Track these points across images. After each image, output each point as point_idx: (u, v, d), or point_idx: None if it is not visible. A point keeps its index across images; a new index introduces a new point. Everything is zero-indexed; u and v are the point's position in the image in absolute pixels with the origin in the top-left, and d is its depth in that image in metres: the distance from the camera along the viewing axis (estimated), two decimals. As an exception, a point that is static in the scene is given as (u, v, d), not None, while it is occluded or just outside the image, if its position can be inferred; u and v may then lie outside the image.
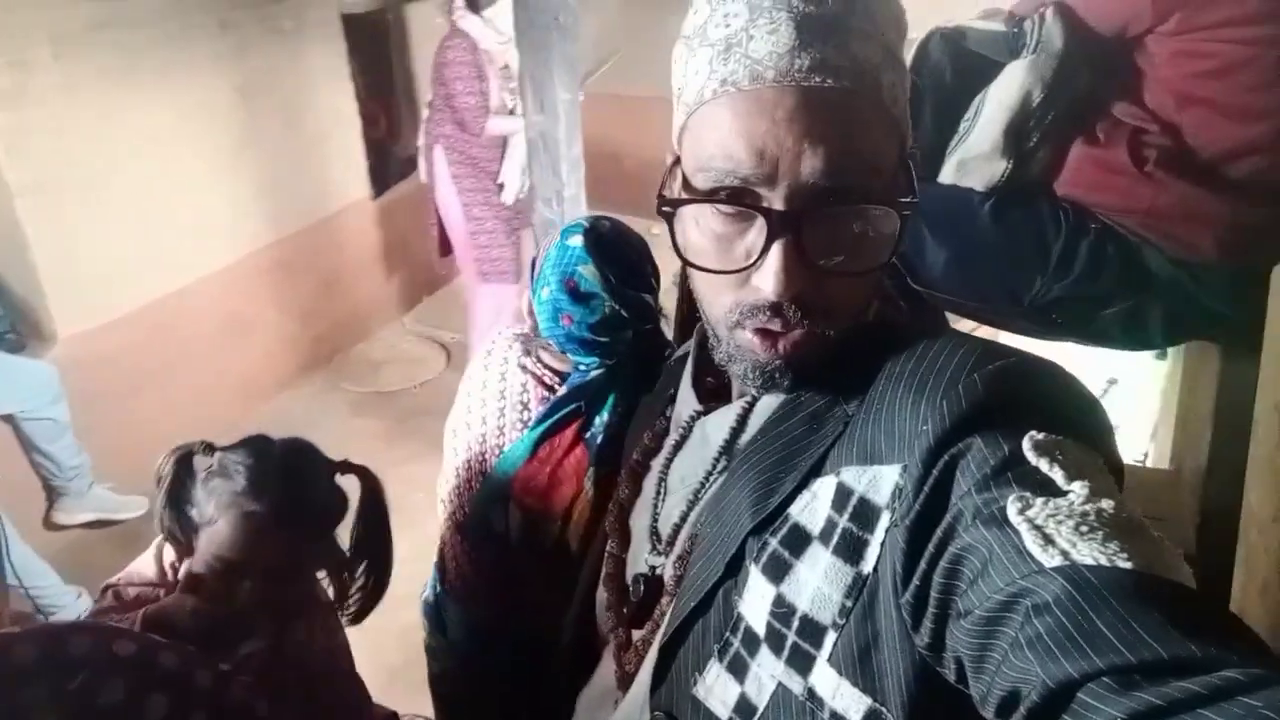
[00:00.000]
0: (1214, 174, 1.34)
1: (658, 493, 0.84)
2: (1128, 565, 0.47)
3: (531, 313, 1.50)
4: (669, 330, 1.51)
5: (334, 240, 4.44)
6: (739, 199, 0.64)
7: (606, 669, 0.86)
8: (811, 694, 0.63)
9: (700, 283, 0.71)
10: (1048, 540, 0.49)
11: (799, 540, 0.65)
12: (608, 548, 0.89)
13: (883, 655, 0.60)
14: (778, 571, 0.65)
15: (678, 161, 0.70)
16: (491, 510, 1.49)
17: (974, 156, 1.43)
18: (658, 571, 0.81)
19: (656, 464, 0.87)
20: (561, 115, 2.95)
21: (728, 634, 0.69)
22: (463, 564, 1.58)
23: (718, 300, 0.69)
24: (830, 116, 0.61)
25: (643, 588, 0.81)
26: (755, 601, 0.67)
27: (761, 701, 0.66)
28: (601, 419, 1.46)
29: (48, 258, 3.13)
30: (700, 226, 0.67)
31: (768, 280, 0.63)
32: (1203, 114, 1.34)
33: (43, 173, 3.06)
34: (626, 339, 1.45)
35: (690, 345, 0.88)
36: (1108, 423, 0.61)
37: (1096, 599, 0.45)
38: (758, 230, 0.64)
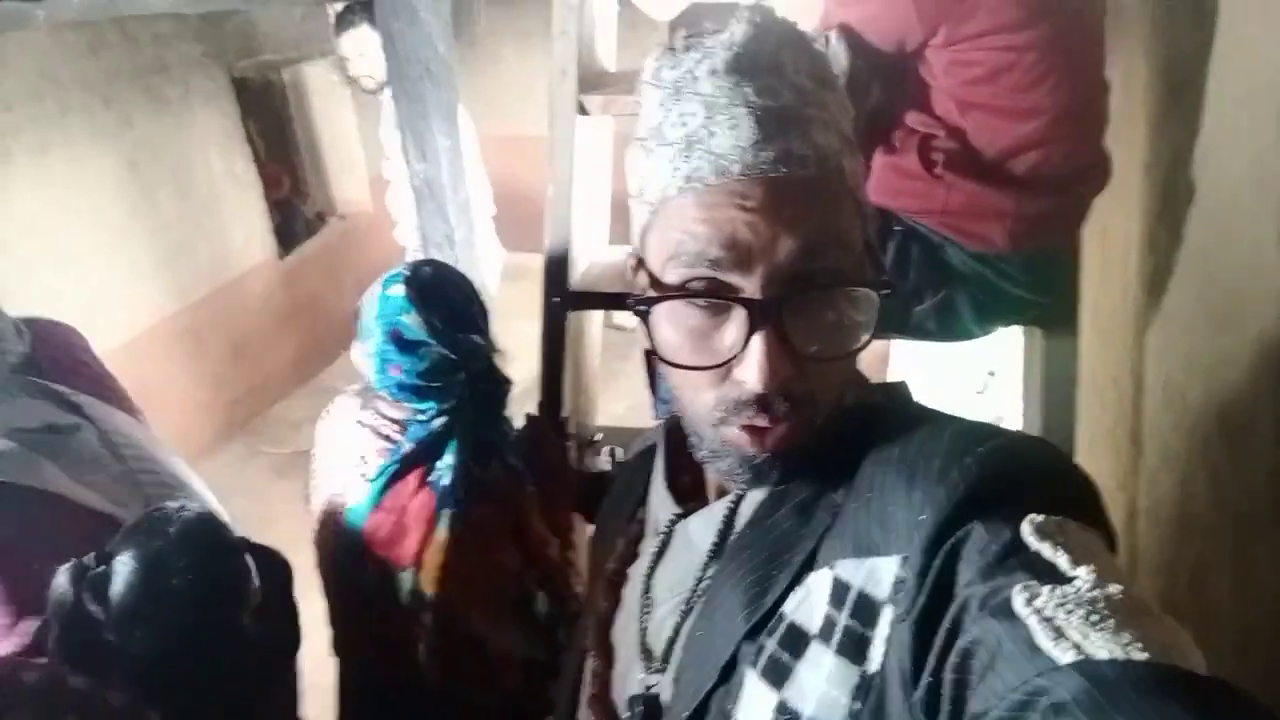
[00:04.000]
0: (997, 171, 1.43)
1: (642, 606, 0.79)
2: (1143, 657, 0.45)
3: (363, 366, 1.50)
4: (505, 365, 1.56)
5: (241, 303, 4.44)
6: (715, 292, 0.62)
7: None
8: None
9: (679, 381, 0.68)
10: (1059, 633, 0.48)
11: (797, 640, 0.62)
12: (590, 667, 0.83)
13: None
14: (778, 676, 0.62)
15: (641, 263, 0.68)
16: (350, 566, 1.48)
17: (782, 172, 1.50)
18: (653, 690, 0.75)
19: (637, 573, 0.82)
20: (444, 161, 3.00)
21: None
22: (338, 624, 1.57)
23: (699, 398, 0.66)
24: (800, 202, 0.61)
25: (641, 709, 0.75)
26: (754, 710, 0.63)
27: None
28: (446, 462, 1.46)
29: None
30: (675, 324, 0.65)
31: (752, 373, 0.61)
32: (981, 117, 1.43)
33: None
34: (460, 381, 1.45)
35: (655, 439, 0.85)
36: (1098, 493, 0.60)
37: (1116, 696, 0.44)
38: (737, 323, 0.62)
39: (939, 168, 1.44)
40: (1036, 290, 1.52)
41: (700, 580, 0.73)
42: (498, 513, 1.53)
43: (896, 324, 1.55)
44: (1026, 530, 0.53)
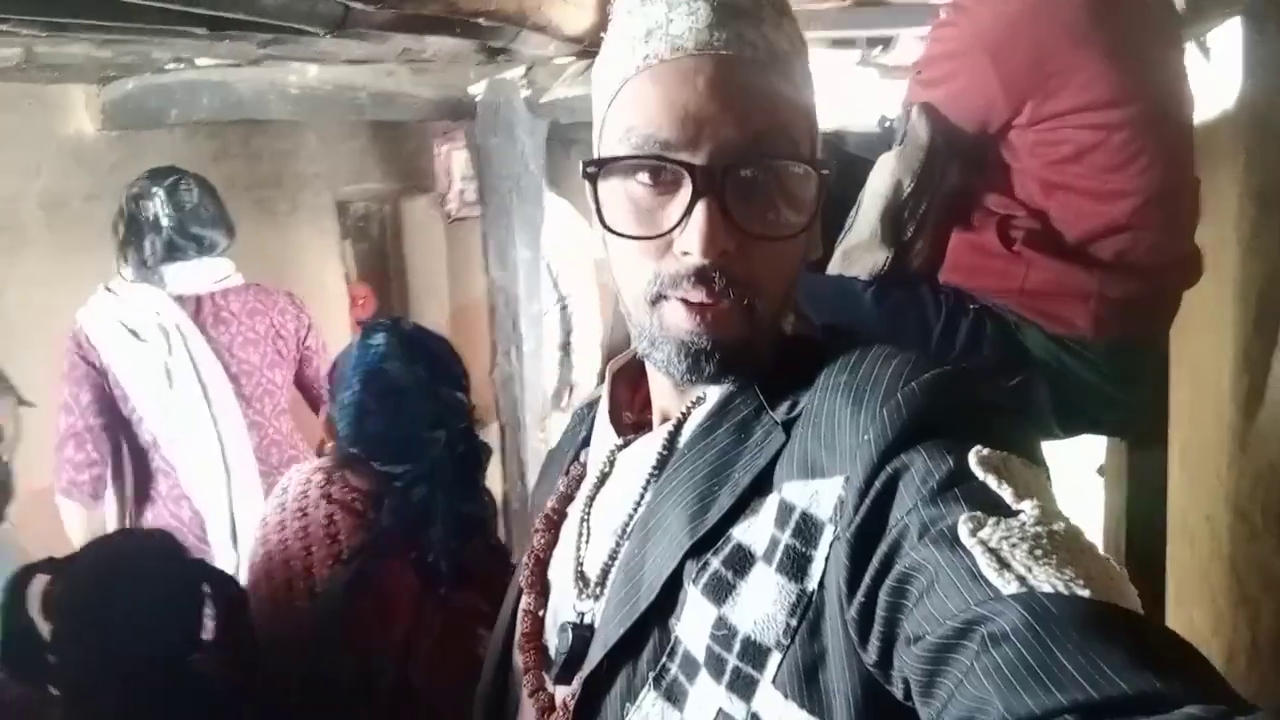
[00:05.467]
0: (1081, 252, 1.39)
1: (580, 535, 0.80)
2: (1085, 594, 0.46)
3: (331, 427, 1.42)
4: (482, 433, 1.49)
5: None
6: (662, 159, 0.64)
7: None
8: (755, 719, 0.59)
9: (620, 258, 0.70)
10: (1003, 564, 0.48)
11: (743, 560, 0.62)
12: (523, 604, 0.82)
13: (830, 674, 0.58)
14: (719, 593, 0.63)
15: (597, 167, 0.68)
16: (321, 654, 1.30)
17: (855, 246, 1.48)
18: (587, 618, 0.75)
19: (575, 509, 0.83)
20: (521, 273, 3.09)
21: (664, 660, 0.65)
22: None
23: (638, 274, 0.67)
24: (749, 83, 0.64)
25: (570, 636, 0.74)
26: (694, 624, 0.64)
27: None
28: (431, 538, 1.35)
29: None
30: (623, 198, 0.67)
31: (693, 240, 0.63)
32: (1066, 198, 1.40)
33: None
34: (440, 440, 1.36)
35: (602, 389, 0.85)
36: (1034, 432, 0.61)
37: (1057, 630, 0.44)
38: (680, 199, 0.64)
39: (1019, 245, 1.40)
40: (1122, 383, 1.43)
41: (638, 504, 0.73)
42: (480, 598, 1.38)
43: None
44: (973, 460, 0.54)
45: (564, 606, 0.78)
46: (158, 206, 2.16)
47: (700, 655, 0.63)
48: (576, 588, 0.76)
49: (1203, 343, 1.75)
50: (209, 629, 1.20)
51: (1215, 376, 1.75)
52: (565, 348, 3.47)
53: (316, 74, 3.09)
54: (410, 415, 1.35)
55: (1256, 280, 1.60)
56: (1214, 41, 1.78)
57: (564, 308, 3.43)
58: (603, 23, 1.89)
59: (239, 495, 2.16)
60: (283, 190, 4.24)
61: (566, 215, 3.48)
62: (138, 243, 2.18)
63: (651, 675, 0.65)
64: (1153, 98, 1.36)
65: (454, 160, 4.75)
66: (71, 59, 2.56)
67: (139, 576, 1.15)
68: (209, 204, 2.26)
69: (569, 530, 0.82)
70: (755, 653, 0.60)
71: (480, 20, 1.66)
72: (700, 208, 0.62)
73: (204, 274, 2.24)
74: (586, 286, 3.41)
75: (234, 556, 2.14)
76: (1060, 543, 0.49)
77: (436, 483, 1.36)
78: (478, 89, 2.97)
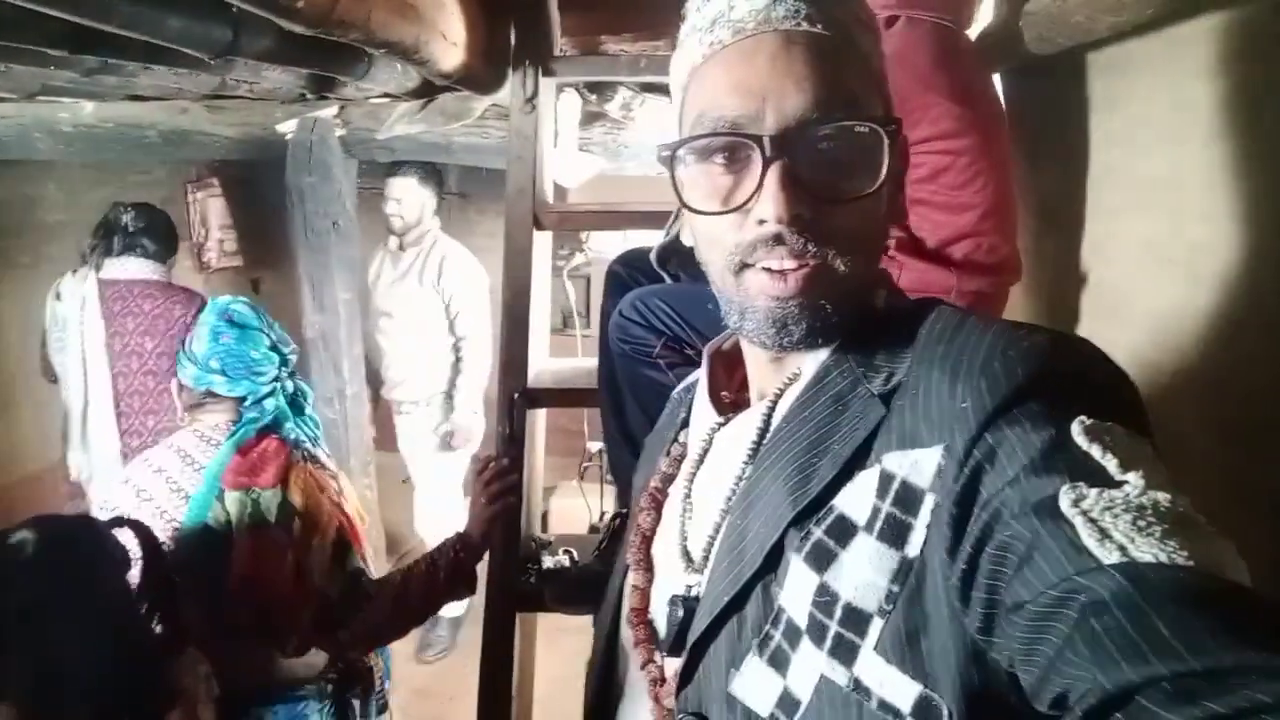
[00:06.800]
0: (940, 255, 1.65)
1: (683, 512, 0.81)
2: (1188, 564, 0.45)
3: (180, 385, 1.73)
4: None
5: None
6: (731, 135, 0.66)
7: (639, 713, 0.80)
8: (857, 684, 0.59)
9: (705, 238, 0.72)
10: (1104, 534, 0.48)
11: (845, 530, 0.63)
12: (630, 581, 0.83)
13: (932, 639, 0.57)
14: (821, 561, 0.63)
15: (671, 151, 0.71)
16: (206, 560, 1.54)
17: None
18: (694, 591, 0.75)
19: (677, 488, 0.84)
20: (342, 314, 3.00)
21: (768, 627, 0.66)
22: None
23: (721, 245, 0.69)
24: (808, 54, 0.66)
25: (680, 610, 0.75)
26: (797, 592, 0.64)
27: (805, 695, 0.62)
28: (288, 426, 1.74)
29: None
30: (700, 180, 0.69)
31: (767, 207, 0.64)
32: (924, 210, 1.66)
33: None
34: (280, 365, 1.75)
35: (700, 373, 0.87)
36: (1142, 401, 0.59)
37: (1156, 600, 0.44)
38: (753, 171, 0.66)
39: (891, 249, 1.64)
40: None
41: (739, 479, 0.74)
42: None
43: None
44: (1076, 430, 0.53)
45: (671, 581, 0.79)
46: (126, 219, 2.92)
47: (803, 622, 0.63)
48: (683, 562, 0.78)
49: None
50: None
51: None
52: (449, 393, 3.45)
53: (93, 111, 2.86)
54: (257, 345, 1.73)
55: (1045, 284, 1.96)
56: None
57: (457, 349, 3.42)
58: (471, 62, 1.96)
59: (93, 427, 2.90)
60: (24, 240, 3.80)
61: (465, 257, 3.51)
62: (105, 243, 2.91)
63: (755, 641, 0.66)
64: (985, 128, 1.66)
65: (210, 208, 4.47)
66: None
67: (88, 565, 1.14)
68: (159, 224, 2.99)
69: (672, 508, 0.84)
70: (857, 619, 0.60)
71: (377, 50, 1.68)
72: (771, 175, 0.64)
73: (129, 269, 2.92)
74: (481, 328, 3.43)
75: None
76: (1165, 514, 0.48)
77: (281, 400, 1.78)
78: (287, 127, 2.88)
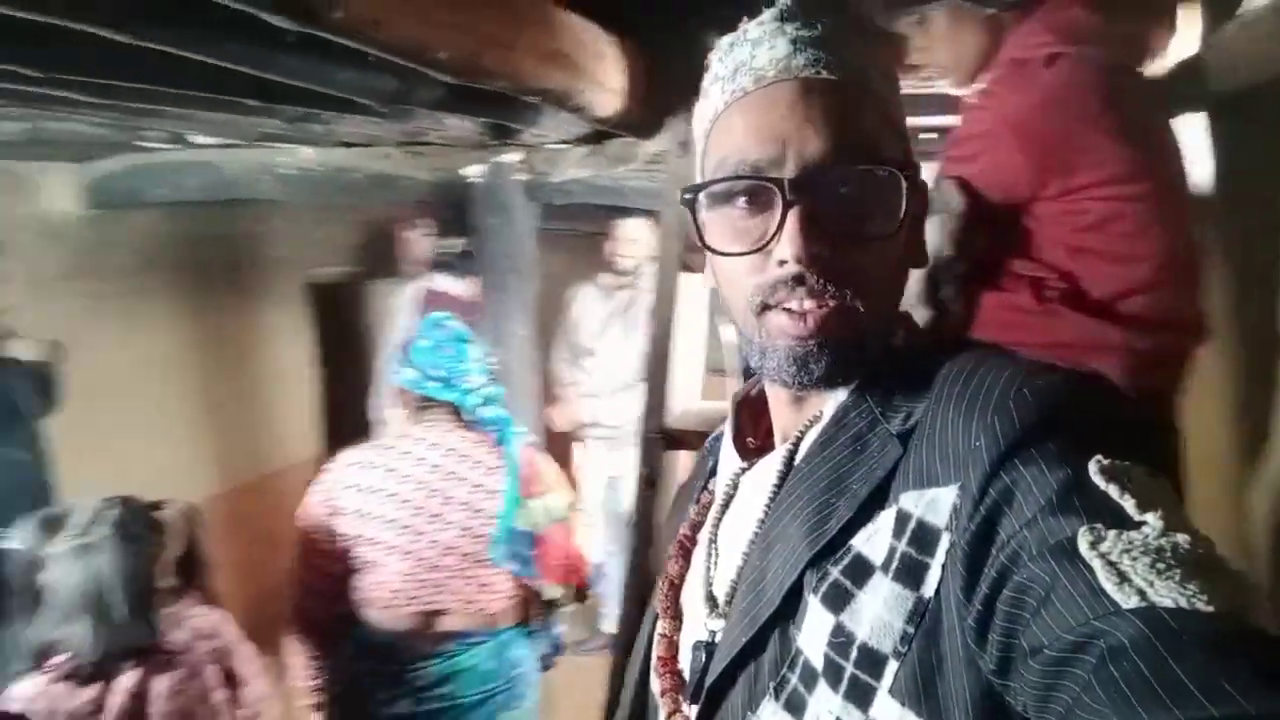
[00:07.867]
0: (1108, 309, 1.51)
1: (709, 557, 0.81)
2: (1208, 609, 0.45)
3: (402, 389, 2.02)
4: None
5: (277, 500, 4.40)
6: (751, 179, 0.68)
7: None
8: None
9: (726, 279, 0.73)
10: (1123, 578, 0.47)
11: (862, 570, 0.63)
12: (659, 629, 0.84)
13: (948, 682, 0.57)
14: (838, 602, 0.63)
15: (693, 194, 0.73)
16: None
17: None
18: (716, 636, 0.75)
19: (704, 534, 0.84)
20: (515, 349, 3.14)
21: (785, 670, 0.66)
22: None
23: (743, 286, 0.70)
24: (828, 100, 0.67)
25: (702, 655, 0.76)
26: (814, 633, 0.64)
27: None
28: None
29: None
30: (722, 223, 0.71)
31: (787, 247, 0.66)
32: (1089, 260, 1.53)
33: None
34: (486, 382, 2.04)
35: (725, 423, 0.88)
36: (1158, 442, 0.60)
37: (1176, 645, 0.43)
38: (774, 213, 0.67)
39: (1053, 302, 1.52)
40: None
41: (761, 522, 0.74)
42: None
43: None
44: (1093, 469, 0.53)
45: (697, 628, 0.79)
46: None
47: (819, 664, 0.63)
48: (706, 607, 0.78)
49: (1203, 402, 1.88)
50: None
51: (1215, 433, 1.89)
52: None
53: (311, 155, 3.15)
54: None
55: (1244, 349, 1.75)
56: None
57: None
58: (631, 108, 2.01)
59: None
60: (256, 271, 4.23)
61: None
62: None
63: (772, 685, 0.66)
64: (1162, 173, 1.52)
65: (421, 246, 4.80)
66: (75, 136, 2.58)
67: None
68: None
69: (699, 555, 0.84)
70: (872, 660, 0.59)
71: (531, 98, 1.75)
72: (792, 217, 0.66)
73: None
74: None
75: None
76: (1185, 556, 0.47)
77: None
78: (472, 171, 3.06)
